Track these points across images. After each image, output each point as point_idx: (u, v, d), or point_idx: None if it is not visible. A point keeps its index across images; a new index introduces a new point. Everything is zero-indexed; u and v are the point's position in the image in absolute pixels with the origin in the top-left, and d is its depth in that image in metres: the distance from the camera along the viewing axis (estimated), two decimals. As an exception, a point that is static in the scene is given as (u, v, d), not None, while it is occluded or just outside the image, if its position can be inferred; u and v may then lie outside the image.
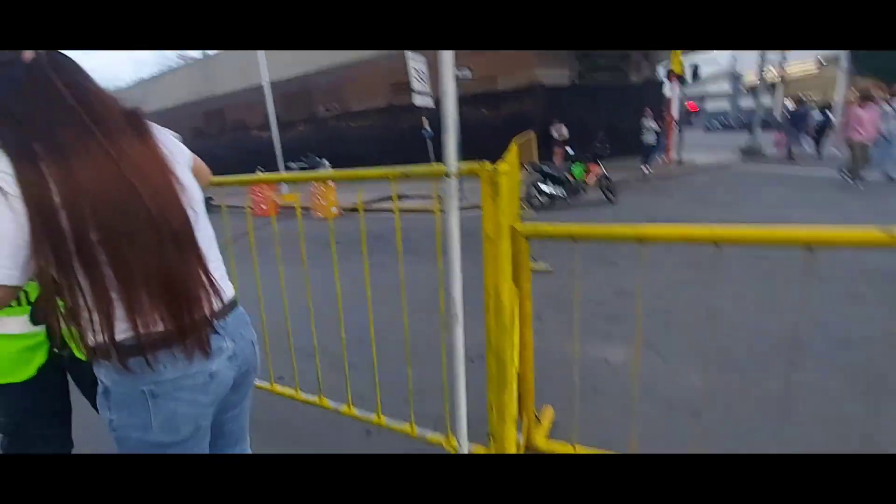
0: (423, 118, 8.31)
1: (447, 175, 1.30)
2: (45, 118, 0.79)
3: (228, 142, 18.23)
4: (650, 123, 10.49)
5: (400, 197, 9.22)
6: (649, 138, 10.49)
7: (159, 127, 0.99)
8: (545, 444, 1.80)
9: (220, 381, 0.99)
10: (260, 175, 2.59)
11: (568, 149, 8.39)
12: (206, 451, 1.07)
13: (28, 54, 0.80)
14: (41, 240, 0.77)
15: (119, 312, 0.85)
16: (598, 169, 7.36)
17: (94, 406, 1.42)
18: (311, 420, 2.24)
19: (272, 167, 11.36)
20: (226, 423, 1.15)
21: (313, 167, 13.04)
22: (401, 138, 14.34)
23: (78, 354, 1.26)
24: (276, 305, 2.28)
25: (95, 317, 0.84)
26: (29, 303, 1.20)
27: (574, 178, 7.30)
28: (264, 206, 8.56)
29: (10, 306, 1.17)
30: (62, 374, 1.34)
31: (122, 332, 0.86)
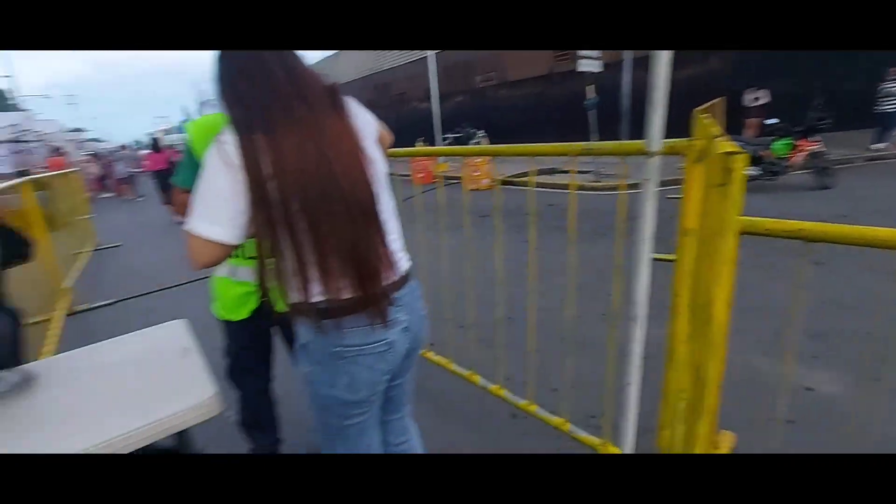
0: (588, 87, 7.69)
1: (647, 153, 1.10)
2: (262, 98, 0.87)
3: (392, 113, 19.68)
4: (893, 87, 8.04)
5: (550, 171, 8.87)
6: (890, 107, 8.07)
7: (352, 100, 1.02)
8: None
9: (396, 350, 1.04)
10: (431, 148, 2.64)
11: (769, 120, 6.88)
12: (375, 414, 1.14)
13: None
14: (255, 206, 0.87)
15: (314, 276, 0.92)
16: (811, 145, 5.92)
17: (291, 355, 1.65)
18: (460, 392, 2.28)
19: (430, 137, 11.87)
20: (392, 390, 1.22)
21: (468, 138, 13.29)
22: (557, 108, 13.68)
23: (280, 308, 1.45)
24: (431, 274, 2.35)
25: (296, 278, 0.92)
26: (250, 257, 1.40)
27: (775, 155, 6.00)
28: (421, 175, 9.04)
29: (237, 256, 1.39)
30: (269, 322, 1.55)
31: (317, 294, 0.93)
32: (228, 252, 0.92)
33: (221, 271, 1.46)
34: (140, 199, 12.61)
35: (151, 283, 4.58)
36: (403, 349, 1.07)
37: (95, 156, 13.97)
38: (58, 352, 3.00)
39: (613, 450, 1.58)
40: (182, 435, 1.05)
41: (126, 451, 0.91)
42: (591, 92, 7.99)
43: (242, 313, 1.48)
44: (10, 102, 29.56)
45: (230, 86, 0.91)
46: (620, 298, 1.47)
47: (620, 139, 7.20)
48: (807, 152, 5.95)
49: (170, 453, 1.18)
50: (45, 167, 11.24)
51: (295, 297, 0.95)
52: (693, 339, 1.16)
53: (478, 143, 12.35)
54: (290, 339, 1.60)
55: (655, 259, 1.29)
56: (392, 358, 1.04)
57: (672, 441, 1.43)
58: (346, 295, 0.93)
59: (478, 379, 2.10)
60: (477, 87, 17.06)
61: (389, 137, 1.22)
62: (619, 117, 7.76)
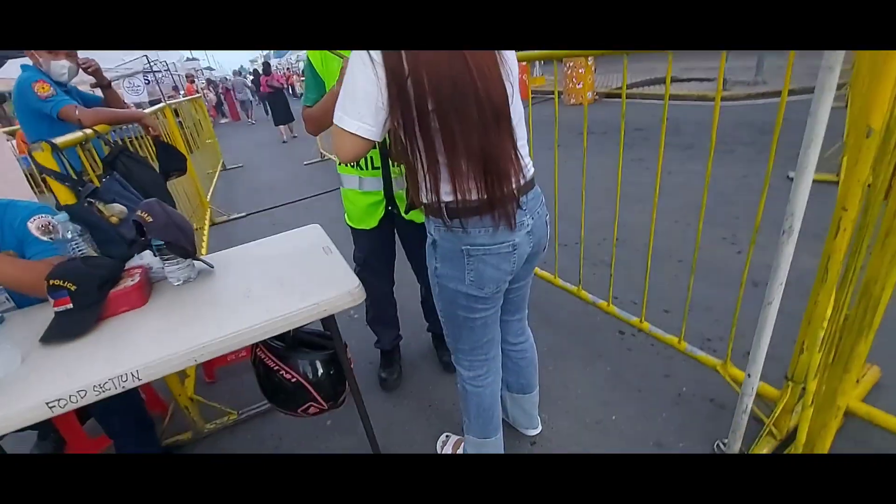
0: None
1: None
2: None
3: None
4: None
5: (663, 80, 7.83)
6: None
7: None
8: (862, 407, 1.41)
9: (520, 252, 1.07)
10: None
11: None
12: (498, 311, 1.21)
13: None
14: (395, 103, 0.89)
15: (444, 176, 0.95)
16: None
17: (409, 258, 1.78)
18: (566, 308, 2.31)
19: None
20: (513, 291, 1.29)
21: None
22: None
23: (403, 215, 1.53)
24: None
25: (428, 177, 0.96)
26: (375, 167, 1.47)
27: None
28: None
29: (365, 168, 1.47)
30: (392, 228, 1.66)
31: (447, 194, 0.97)
32: (370, 147, 0.97)
33: (350, 184, 1.56)
34: (253, 123, 13.77)
35: (273, 199, 5.08)
36: (526, 252, 1.10)
37: (210, 83, 15.18)
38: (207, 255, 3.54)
39: (735, 371, 1.52)
40: (329, 319, 1.21)
41: (290, 329, 1.08)
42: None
43: (371, 222, 1.59)
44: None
45: None
46: (759, 219, 1.32)
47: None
48: None
49: (318, 334, 1.38)
50: (172, 95, 12.50)
51: (426, 196, 1.00)
52: (859, 256, 1.02)
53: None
54: (409, 245, 1.71)
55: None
56: (516, 259, 1.08)
57: (808, 367, 1.33)
58: (476, 196, 0.95)
59: (585, 295, 2.09)
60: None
61: None
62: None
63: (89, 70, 2.20)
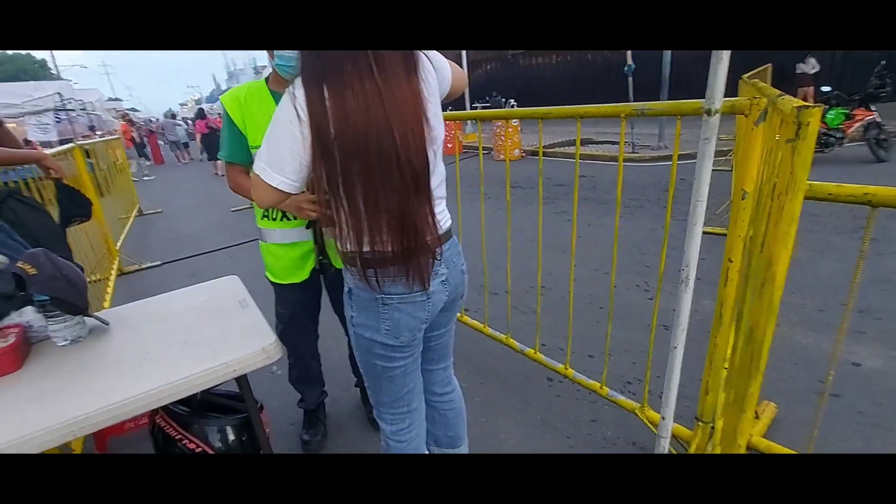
0: (628, 52, 7.36)
1: (707, 112, 1.06)
2: (337, 55, 0.86)
3: (422, 81, 19.31)
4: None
5: (583, 141, 8.58)
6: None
7: (429, 54, 1.01)
8: (763, 443, 1.52)
9: (434, 301, 1.09)
10: (461, 112, 2.61)
11: (823, 88, 6.43)
12: (418, 359, 1.20)
13: None
14: (318, 162, 0.90)
15: (362, 228, 0.96)
16: (867, 115, 5.53)
17: (336, 309, 1.72)
18: (496, 356, 2.32)
19: (458, 106, 11.66)
20: (433, 340, 1.28)
21: (497, 107, 12.99)
22: (593, 75, 13.19)
23: (335, 263, 1.49)
24: (464, 244, 2.35)
25: (348, 230, 0.96)
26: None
27: (828, 125, 5.64)
28: (450, 145, 8.94)
29: (290, 219, 1.42)
30: (320, 280, 1.61)
31: (364, 245, 0.97)
32: (287, 197, 0.97)
33: (273, 238, 1.50)
34: (186, 163, 13.47)
35: (194, 247, 4.76)
36: (442, 300, 1.12)
37: (133, 124, 14.43)
38: (112, 306, 3.19)
39: (652, 414, 1.59)
40: (242, 379, 1.12)
41: (194, 392, 0.98)
42: (629, 57, 7.66)
43: (301, 275, 1.52)
44: (47, 72, 30.52)
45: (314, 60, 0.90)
46: (662, 268, 1.44)
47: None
48: (862, 123, 5.57)
49: (230, 396, 1.27)
50: (88, 135, 11.67)
51: (342, 245, 1.01)
52: (745, 303, 1.14)
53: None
54: (339, 295, 1.66)
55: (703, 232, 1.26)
56: (431, 308, 1.09)
57: (714, 407, 1.43)
58: (391, 248, 0.96)
59: (514, 343, 2.12)
60: (507, 56, 16.55)
61: (462, 76, 1.19)
62: (657, 84, 7.45)
63: None
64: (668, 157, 7.13)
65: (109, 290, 3.48)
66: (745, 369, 1.04)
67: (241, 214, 6.17)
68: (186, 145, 15.13)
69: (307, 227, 1.46)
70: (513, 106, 11.83)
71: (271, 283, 1.59)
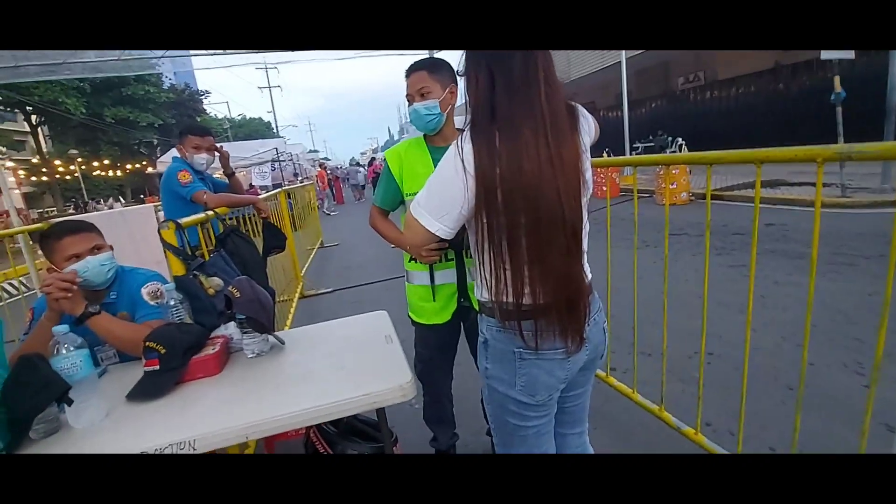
0: (835, 77, 6.17)
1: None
2: (517, 110, 0.90)
3: (578, 124, 19.09)
4: None
5: (773, 183, 7.38)
6: None
7: (582, 112, 1.02)
8: None
9: (575, 359, 1.03)
10: (603, 158, 2.47)
11: None
12: (552, 420, 1.13)
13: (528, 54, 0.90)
14: (481, 213, 0.93)
15: (510, 280, 0.95)
16: None
17: (473, 351, 1.74)
18: (645, 426, 2.05)
19: (619, 147, 11.16)
20: (568, 401, 1.20)
21: (661, 147, 12.07)
22: (785, 109, 11.38)
23: (476, 307, 1.53)
24: (615, 293, 2.16)
25: (493, 278, 0.96)
26: (449, 259, 1.51)
27: None
28: (604, 188, 8.55)
29: (441, 261, 1.51)
30: (460, 322, 1.66)
31: (509, 296, 0.96)
32: (436, 240, 1.01)
33: (419, 279, 1.60)
34: (363, 200, 15.91)
35: (360, 277, 5.39)
36: (582, 359, 1.06)
37: (325, 170, 17.44)
38: (293, 325, 3.77)
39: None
40: (381, 411, 1.19)
41: (341, 416, 1.08)
42: (837, 83, 6.40)
43: (444, 317, 1.59)
44: (272, 131, 38.95)
45: (485, 90, 0.92)
46: (881, 345, 1.11)
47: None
48: None
49: (372, 424, 1.35)
50: (292, 181, 14.43)
51: (486, 295, 1.00)
52: None
53: (675, 153, 11.09)
54: (473, 338, 1.68)
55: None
56: (570, 366, 1.03)
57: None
58: (539, 300, 0.93)
59: (669, 417, 1.84)
60: (675, 91, 15.41)
61: (597, 129, 1.17)
62: (878, 113, 6.03)
63: (221, 157, 2.62)
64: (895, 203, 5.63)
65: (293, 309, 4.12)
66: None
67: (397, 251, 6.79)
68: (363, 187, 17.91)
69: (438, 262, 1.53)
70: (681, 145, 10.85)
71: (413, 321, 1.68)
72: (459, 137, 0.94)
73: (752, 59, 12.35)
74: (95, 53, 3.41)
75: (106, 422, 1.10)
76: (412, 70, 1.44)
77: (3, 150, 19.21)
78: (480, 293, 1.04)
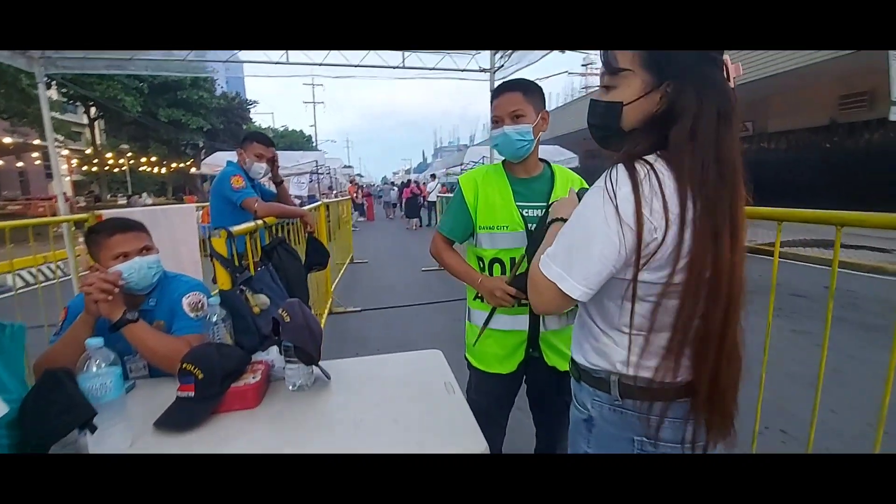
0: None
1: None
2: (702, 148, 0.72)
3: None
4: None
5: (825, 244, 6.98)
6: None
7: None
8: None
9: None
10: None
11: None
12: None
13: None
14: (628, 266, 0.75)
15: (650, 350, 0.77)
16: None
17: (533, 405, 1.55)
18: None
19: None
20: None
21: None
22: (838, 168, 10.93)
23: (548, 360, 1.35)
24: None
25: (615, 345, 0.80)
26: (523, 304, 1.34)
27: None
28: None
29: (515, 305, 1.34)
30: (524, 373, 1.48)
31: (643, 369, 0.78)
32: (574, 304, 0.82)
33: (480, 320, 1.43)
34: (392, 219, 16.29)
35: (389, 299, 5.25)
36: None
37: (359, 187, 17.75)
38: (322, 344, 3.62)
39: None
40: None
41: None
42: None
43: (509, 366, 1.41)
44: (311, 144, 40.15)
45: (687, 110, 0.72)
46: None
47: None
48: None
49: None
50: (326, 193, 14.63)
51: (601, 361, 0.82)
52: None
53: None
54: (540, 393, 1.50)
55: None
56: None
57: None
58: (679, 380, 0.75)
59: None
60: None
61: None
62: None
63: (273, 163, 2.54)
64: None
65: (322, 326, 3.99)
66: None
67: (429, 275, 6.66)
68: (395, 205, 19.02)
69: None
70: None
71: (470, 365, 1.51)
72: (608, 176, 0.74)
73: (804, 114, 11.99)
74: (162, 53, 3.50)
75: (129, 451, 0.96)
76: (504, 90, 1.31)
77: (62, 139, 20.26)
78: (586, 356, 0.86)
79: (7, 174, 23.81)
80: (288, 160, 13.82)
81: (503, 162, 1.42)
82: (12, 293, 2.05)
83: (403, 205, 15.29)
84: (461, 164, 16.04)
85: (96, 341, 0.97)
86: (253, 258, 1.85)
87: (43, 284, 2.30)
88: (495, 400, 1.48)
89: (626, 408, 0.80)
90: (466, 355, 1.52)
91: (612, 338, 0.80)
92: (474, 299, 1.45)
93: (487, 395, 1.48)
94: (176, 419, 1.04)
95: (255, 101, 31.00)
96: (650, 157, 0.73)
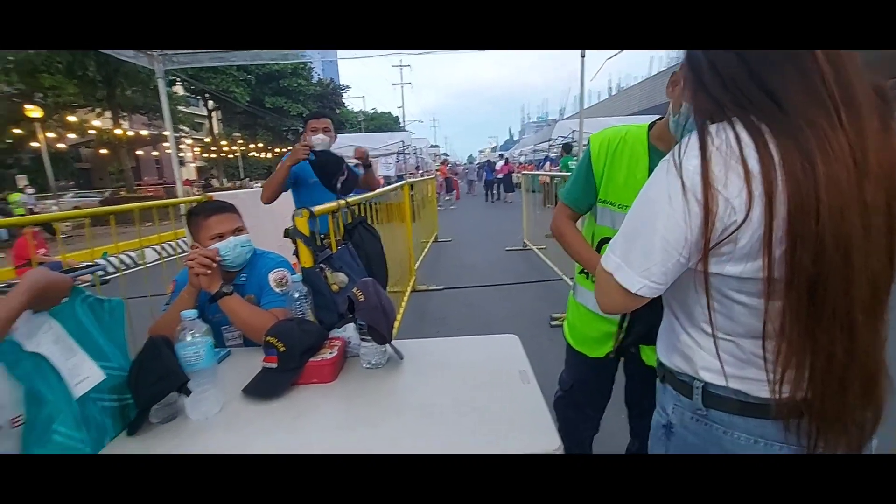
0: None
1: None
2: (796, 96, 0.56)
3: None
4: None
5: None
6: None
7: None
8: None
9: None
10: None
11: None
12: None
13: None
14: (704, 260, 0.61)
15: (741, 358, 0.64)
16: None
17: (628, 401, 1.44)
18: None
19: None
20: None
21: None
22: None
23: (647, 360, 1.23)
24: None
25: (701, 348, 0.68)
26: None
27: None
28: None
29: None
30: (617, 364, 1.38)
31: (731, 379, 0.65)
32: (641, 303, 0.69)
33: (586, 300, 1.34)
34: (475, 195, 16.88)
35: (471, 278, 5.25)
36: None
37: (446, 165, 17.92)
38: (403, 320, 3.74)
39: None
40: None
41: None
42: None
43: (597, 351, 1.32)
44: (399, 125, 41.22)
45: (728, 80, 0.60)
46: None
47: None
48: None
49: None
50: (413, 173, 14.96)
51: (683, 364, 0.71)
52: None
53: None
54: (635, 389, 1.39)
55: None
56: None
57: None
58: (798, 395, 0.60)
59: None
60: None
61: None
62: None
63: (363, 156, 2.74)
64: None
65: (403, 303, 4.10)
66: None
67: (513, 254, 6.54)
68: (472, 182, 20.69)
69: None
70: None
71: (566, 339, 1.44)
72: (675, 152, 0.61)
73: None
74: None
75: (220, 416, 1.03)
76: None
77: (187, 129, 23.03)
78: (669, 356, 0.74)
79: (147, 162, 27.75)
80: (376, 142, 14.33)
81: (651, 126, 1.16)
82: (141, 266, 2.35)
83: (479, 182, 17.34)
84: (548, 140, 15.43)
85: (191, 313, 1.05)
86: (336, 238, 1.91)
87: (166, 259, 2.61)
88: (582, 382, 1.41)
89: (712, 419, 0.68)
90: (564, 327, 1.47)
91: (695, 339, 0.68)
92: (580, 273, 1.35)
93: (574, 374, 1.42)
94: (261, 388, 1.10)
95: (347, 86, 32.46)
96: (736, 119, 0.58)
